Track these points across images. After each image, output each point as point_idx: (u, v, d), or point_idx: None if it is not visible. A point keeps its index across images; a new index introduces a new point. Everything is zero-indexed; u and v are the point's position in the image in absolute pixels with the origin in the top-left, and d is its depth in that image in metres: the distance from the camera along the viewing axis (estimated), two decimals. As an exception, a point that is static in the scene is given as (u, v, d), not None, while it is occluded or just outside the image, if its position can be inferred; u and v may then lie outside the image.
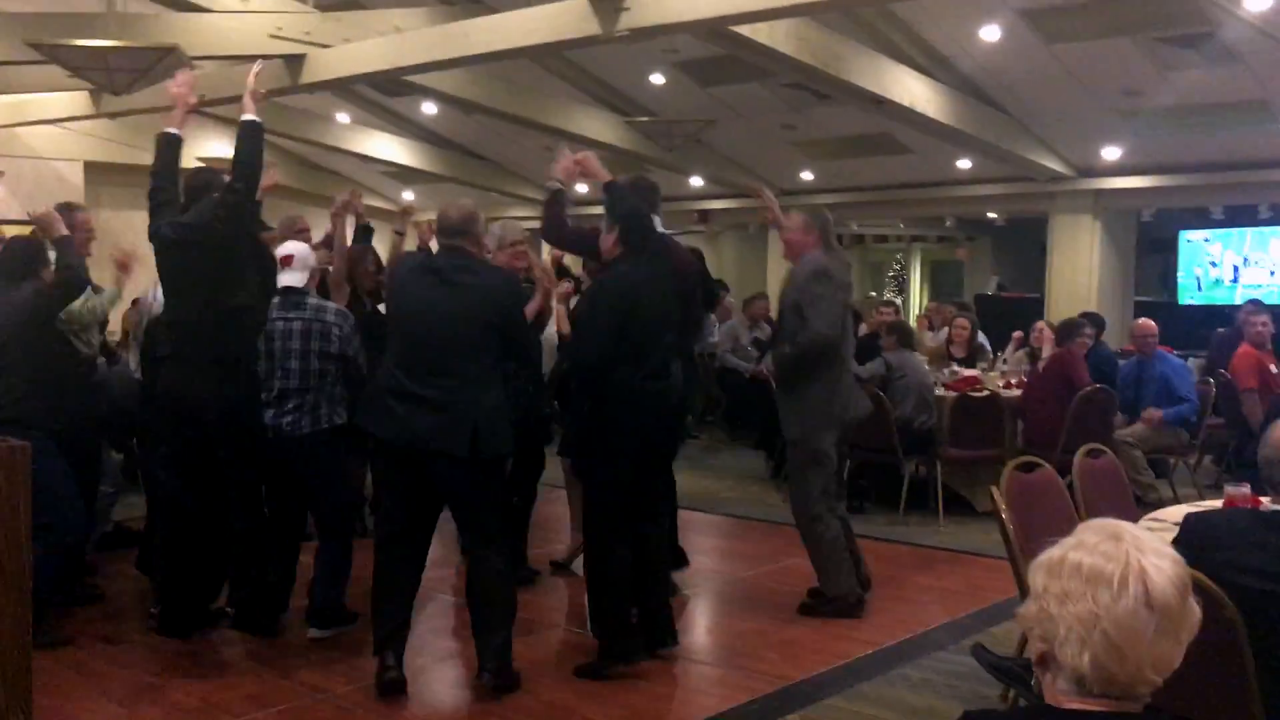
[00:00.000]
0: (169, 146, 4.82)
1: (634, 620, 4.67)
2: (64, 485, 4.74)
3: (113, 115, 11.84)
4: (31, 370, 4.78)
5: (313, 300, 5.05)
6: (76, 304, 5.20)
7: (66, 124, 12.92)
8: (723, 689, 4.52)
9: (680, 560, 5.97)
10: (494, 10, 8.52)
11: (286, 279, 4.94)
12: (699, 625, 5.47)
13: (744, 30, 7.57)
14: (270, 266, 4.91)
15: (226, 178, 4.74)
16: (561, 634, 5.27)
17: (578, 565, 6.21)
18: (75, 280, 5.01)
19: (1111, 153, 10.93)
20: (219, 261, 4.63)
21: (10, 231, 7.88)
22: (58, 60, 7.09)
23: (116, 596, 5.60)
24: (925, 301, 18.59)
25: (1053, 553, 1.77)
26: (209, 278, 4.62)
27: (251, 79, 4.83)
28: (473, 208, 4.46)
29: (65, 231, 5.10)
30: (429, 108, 12.65)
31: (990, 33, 8.81)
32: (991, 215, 14.76)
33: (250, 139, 4.69)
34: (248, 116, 4.71)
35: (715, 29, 7.53)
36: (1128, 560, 1.67)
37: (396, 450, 4.23)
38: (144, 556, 5.74)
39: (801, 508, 5.37)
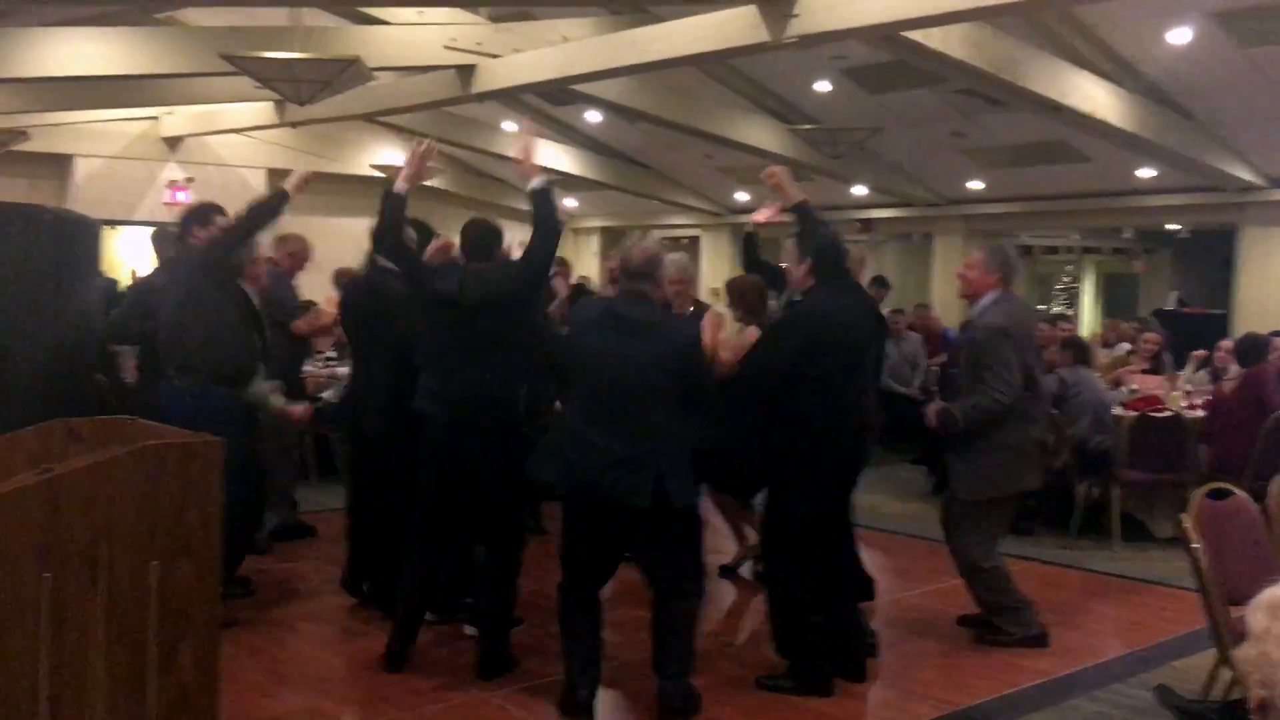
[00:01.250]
0: (396, 210, 4.72)
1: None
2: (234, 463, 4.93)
3: (294, 125, 12.41)
4: (209, 324, 4.96)
5: None
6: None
7: (251, 133, 13.59)
8: (885, 711, 4.40)
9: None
10: (660, 19, 8.55)
11: None
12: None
13: (916, 35, 7.40)
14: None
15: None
16: (720, 643, 5.21)
17: (745, 570, 6.24)
18: (238, 225, 5.08)
19: (1310, 162, 10.29)
20: (513, 326, 4.54)
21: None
22: (248, 72, 7.43)
23: (293, 583, 5.81)
24: (1098, 315, 17.87)
25: (1275, 593, 1.64)
26: (498, 341, 4.52)
27: (525, 151, 4.71)
28: (656, 250, 4.28)
29: (288, 188, 5.24)
30: (593, 116, 12.81)
31: (1179, 35, 8.38)
32: (1172, 227, 14.09)
33: (545, 204, 4.58)
34: (536, 184, 4.55)
35: (887, 34, 7.37)
36: (1362, 604, 1.53)
37: (579, 501, 4.17)
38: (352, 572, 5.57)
39: (961, 557, 5.15)
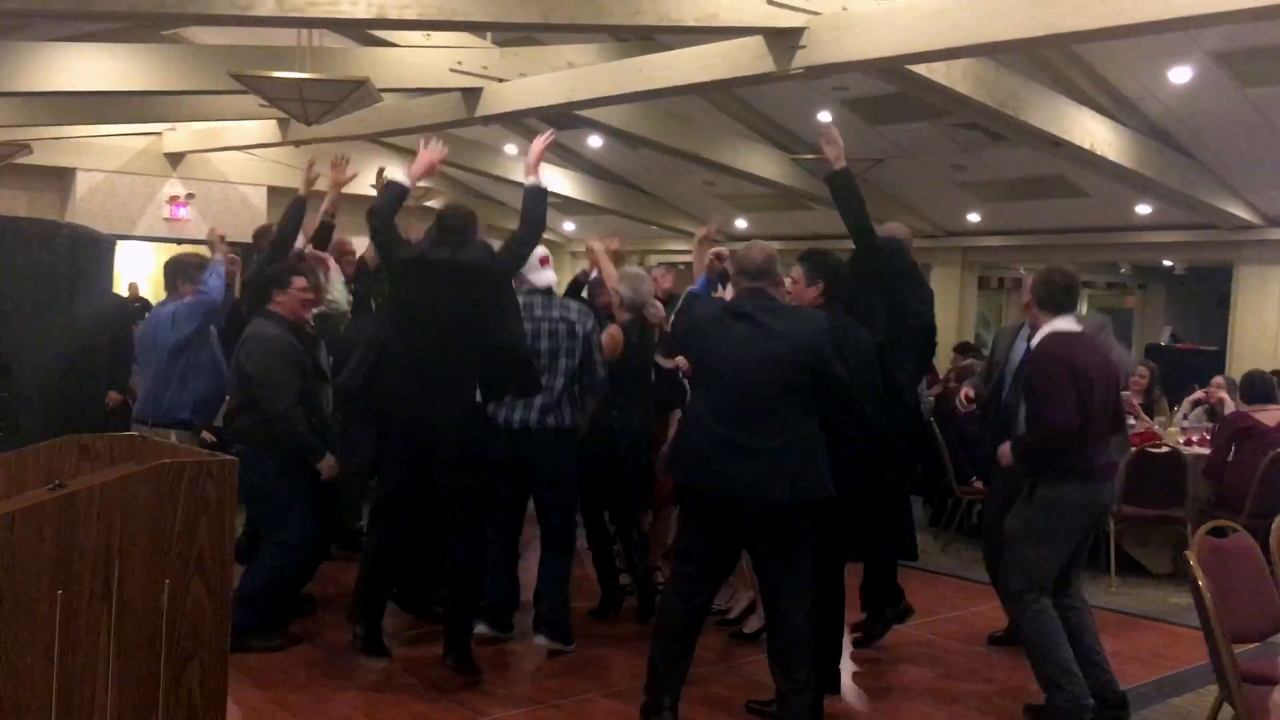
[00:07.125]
0: (396, 198, 4.80)
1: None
2: (295, 496, 4.97)
3: (297, 143, 12.45)
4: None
5: (558, 300, 5.21)
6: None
7: (253, 150, 13.62)
8: (884, 743, 4.39)
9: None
10: (667, 47, 8.62)
11: (546, 278, 5.10)
12: (859, 675, 5.33)
13: (920, 69, 7.47)
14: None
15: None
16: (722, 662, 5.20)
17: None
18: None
19: (1307, 202, 10.39)
20: (486, 301, 4.62)
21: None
22: (258, 91, 7.46)
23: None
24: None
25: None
26: (472, 315, 4.59)
27: (539, 147, 4.84)
28: (773, 250, 4.29)
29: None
30: (594, 141, 12.87)
31: (1180, 75, 8.49)
32: (1168, 263, 14.18)
33: (537, 203, 4.75)
34: (534, 181, 4.77)
35: (892, 68, 7.44)
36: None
37: (711, 497, 4.13)
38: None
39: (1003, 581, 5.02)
